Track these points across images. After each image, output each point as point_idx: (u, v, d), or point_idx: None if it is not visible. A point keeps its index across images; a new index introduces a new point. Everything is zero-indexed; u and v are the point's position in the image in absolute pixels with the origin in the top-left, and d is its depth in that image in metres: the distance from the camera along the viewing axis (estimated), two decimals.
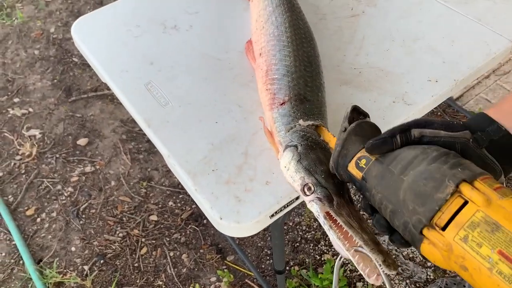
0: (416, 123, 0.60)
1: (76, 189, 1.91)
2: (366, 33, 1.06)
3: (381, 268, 0.57)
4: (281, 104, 0.83)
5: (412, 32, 1.05)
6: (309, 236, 1.75)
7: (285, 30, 0.93)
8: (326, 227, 0.66)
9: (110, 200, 1.87)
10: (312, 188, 0.69)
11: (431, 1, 1.12)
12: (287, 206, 0.80)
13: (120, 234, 1.76)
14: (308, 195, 0.69)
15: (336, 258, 0.69)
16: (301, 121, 0.79)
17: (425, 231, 0.51)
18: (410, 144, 0.58)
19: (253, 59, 0.97)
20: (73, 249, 1.73)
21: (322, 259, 1.69)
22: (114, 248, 1.73)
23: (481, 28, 1.05)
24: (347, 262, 1.67)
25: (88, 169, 1.98)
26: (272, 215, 0.79)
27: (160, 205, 1.84)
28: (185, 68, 1.02)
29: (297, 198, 0.81)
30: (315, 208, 0.68)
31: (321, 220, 0.67)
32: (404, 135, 0.58)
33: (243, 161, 0.85)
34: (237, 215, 0.77)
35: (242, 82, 0.99)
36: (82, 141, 2.08)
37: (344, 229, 0.63)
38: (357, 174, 0.60)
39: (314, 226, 1.77)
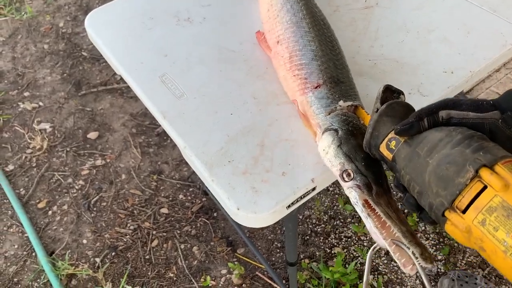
0: (444, 104, 0.61)
1: (87, 182, 1.93)
2: (380, 24, 1.06)
3: (418, 261, 0.58)
4: (316, 88, 0.83)
5: (427, 23, 1.05)
6: (319, 230, 1.75)
7: (304, 16, 0.93)
8: (363, 215, 0.67)
9: (121, 193, 1.88)
10: (352, 175, 0.70)
11: None
12: (304, 197, 0.81)
13: (131, 227, 1.78)
14: (347, 181, 0.70)
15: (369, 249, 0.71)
16: (341, 102, 0.80)
17: (447, 213, 0.53)
18: (438, 126, 0.60)
19: (268, 48, 0.97)
20: (84, 241, 1.75)
21: (333, 252, 1.69)
22: (125, 240, 1.74)
23: (496, 19, 1.04)
24: (358, 255, 1.67)
25: (98, 162, 1.99)
26: (289, 206, 0.79)
27: (170, 198, 1.85)
28: (200, 60, 1.02)
29: (314, 189, 0.81)
30: (353, 195, 0.69)
31: (359, 207, 0.68)
32: (432, 118, 0.60)
33: (259, 153, 0.85)
34: (254, 206, 0.77)
35: (257, 73, 0.99)
36: (92, 135, 2.09)
37: (382, 219, 0.63)
38: (388, 155, 0.63)
39: (324, 220, 1.78)
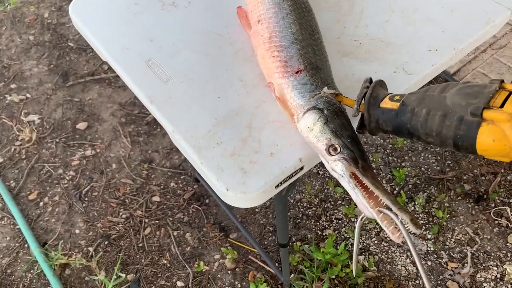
0: None
1: (77, 172, 1.92)
2: (365, 5, 1.06)
3: (407, 226, 0.61)
4: (297, 72, 0.84)
5: (411, 3, 1.05)
6: (310, 213, 1.77)
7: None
8: (350, 185, 0.70)
9: (112, 183, 1.88)
10: (339, 149, 0.73)
11: None
12: (292, 176, 0.82)
13: (124, 216, 1.78)
14: (333, 155, 0.73)
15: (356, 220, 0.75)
16: (325, 89, 0.81)
17: (485, 113, 0.60)
18: None
19: (248, 26, 0.98)
20: (77, 231, 1.75)
21: (324, 234, 1.71)
22: (118, 229, 1.74)
23: None
24: (348, 237, 1.69)
25: (88, 152, 1.99)
26: (278, 185, 0.80)
27: (162, 186, 1.86)
28: (186, 44, 1.02)
29: (301, 168, 0.82)
30: (340, 167, 0.72)
31: (346, 179, 0.71)
32: None
33: (247, 134, 0.86)
34: (243, 186, 0.78)
35: (243, 57, 0.99)
36: (81, 125, 2.08)
37: (370, 189, 0.65)
38: (393, 105, 0.71)
39: (315, 203, 1.79)
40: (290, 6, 0.93)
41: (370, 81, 0.78)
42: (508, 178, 1.80)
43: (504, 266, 1.59)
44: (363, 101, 0.77)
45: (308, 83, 0.83)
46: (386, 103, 0.72)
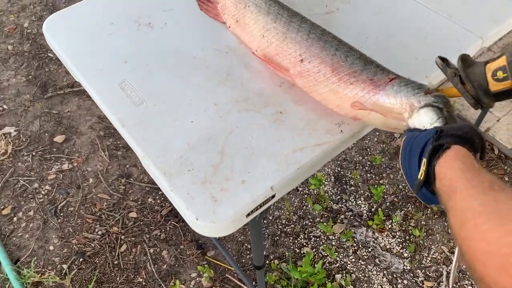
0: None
1: (53, 187, 1.89)
2: (340, 30, 1.07)
3: None
4: (391, 80, 0.83)
5: (386, 29, 1.07)
6: (288, 230, 1.77)
7: (322, 32, 0.94)
8: None
9: (89, 198, 1.85)
10: None
11: None
12: (263, 204, 0.81)
13: (99, 232, 1.75)
14: None
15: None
16: (428, 84, 0.80)
17: None
18: None
19: (284, 70, 0.94)
20: (51, 248, 1.72)
21: (302, 252, 1.71)
22: (93, 246, 1.71)
23: (452, 25, 1.07)
24: (326, 255, 1.69)
25: (65, 166, 1.96)
26: (249, 214, 0.80)
27: (139, 202, 1.83)
28: (160, 66, 1.01)
29: (273, 196, 0.82)
30: None
31: None
32: None
33: (219, 161, 0.85)
34: (213, 215, 0.77)
35: (218, 80, 0.99)
36: (59, 138, 2.05)
37: None
38: (505, 84, 0.67)
39: (294, 220, 1.79)
40: (333, 37, 0.93)
41: (444, 65, 0.76)
42: None
43: None
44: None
45: (409, 83, 0.82)
46: (496, 85, 0.68)
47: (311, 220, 1.79)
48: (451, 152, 0.60)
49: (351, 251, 1.71)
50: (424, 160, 0.62)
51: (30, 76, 2.30)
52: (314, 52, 0.90)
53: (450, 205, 0.55)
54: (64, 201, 1.84)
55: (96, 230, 1.76)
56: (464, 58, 0.74)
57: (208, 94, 0.96)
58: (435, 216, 1.78)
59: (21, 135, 2.06)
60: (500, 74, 0.66)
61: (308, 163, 0.84)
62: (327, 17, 1.10)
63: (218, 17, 1.09)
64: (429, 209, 1.80)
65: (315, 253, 1.70)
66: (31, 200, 1.85)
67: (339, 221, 1.79)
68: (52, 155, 1.99)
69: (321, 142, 0.87)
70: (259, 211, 0.82)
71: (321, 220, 1.79)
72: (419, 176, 0.63)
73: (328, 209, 1.82)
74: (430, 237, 1.73)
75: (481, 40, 1.03)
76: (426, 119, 0.74)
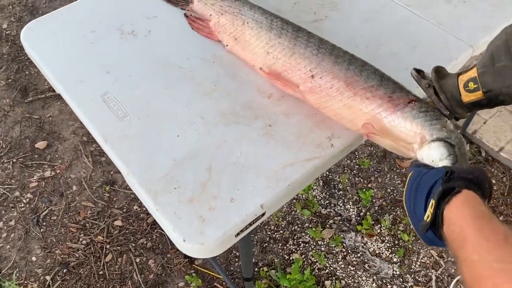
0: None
1: (35, 195, 1.84)
2: (329, 38, 1.04)
3: None
4: (410, 102, 0.79)
5: (375, 37, 1.05)
6: (277, 236, 1.75)
7: (333, 47, 0.91)
8: None
9: (72, 206, 1.81)
10: None
11: (394, 4, 1.12)
12: (253, 223, 0.79)
13: (84, 241, 1.71)
14: None
15: None
16: (449, 122, 0.77)
17: None
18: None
19: (293, 86, 0.90)
20: (33, 258, 1.67)
21: (291, 258, 1.69)
22: (77, 256, 1.67)
23: (442, 33, 1.05)
24: (315, 261, 1.67)
25: (47, 173, 1.90)
26: (238, 234, 0.77)
27: (124, 210, 1.79)
28: (144, 77, 0.98)
29: (263, 214, 0.79)
30: None
31: None
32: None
33: (207, 178, 0.82)
34: (201, 236, 0.74)
35: (204, 91, 0.95)
36: (40, 144, 1.99)
37: None
38: (476, 95, 0.68)
39: (282, 225, 1.77)
40: (345, 52, 0.90)
41: (420, 76, 0.77)
42: None
43: None
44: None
45: (429, 110, 0.78)
46: (468, 96, 0.70)
47: (300, 225, 1.78)
48: (462, 196, 0.58)
49: (340, 256, 1.70)
50: (432, 202, 0.60)
51: (10, 80, 2.24)
52: (326, 68, 0.86)
53: (462, 256, 0.53)
54: (47, 210, 1.79)
55: (80, 239, 1.71)
56: (438, 70, 0.75)
57: (195, 106, 0.93)
58: None
59: (0, 141, 2.00)
60: (471, 85, 0.68)
61: (298, 180, 0.82)
62: (316, 25, 1.08)
63: (212, 36, 1.05)
64: None
65: (304, 259, 1.69)
66: (12, 209, 1.79)
67: (328, 226, 1.77)
68: (33, 162, 1.93)
69: (311, 157, 0.85)
70: (248, 229, 0.79)
71: (310, 226, 1.77)
72: (425, 218, 0.61)
73: (317, 214, 1.80)
74: (419, 241, 1.73)
75: (472, 49, 1.02)
76: (436, 155, 0.72)
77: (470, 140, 1.99)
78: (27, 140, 2.01)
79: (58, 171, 1.91)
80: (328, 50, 0.89)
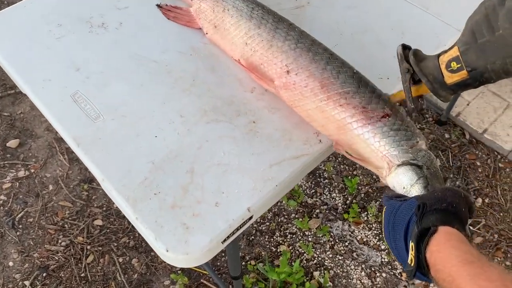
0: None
1: (9, 197, 1.75)
2: (312, 26, 1.00)
3: None
4: (384, 117, 0.74)
5: (361, 24, 1.00)
6: (263, 228, 1.71)
7: (312, 42, 0.84)
8: None
9: (49, 206, 1.73)
10: None
11: None
12: (240, 228, 0.74)
13: (63, 243, 1.64)
14: None
15: None
16: (421, 140, 0.72)
17: None
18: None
19: (268, 80, 0.85)
20: (10, 263, 1.60)
21: (278, 250, 1.66)
22: (57, 258, 1.61)
23: (430, 18, 1.01)
24: (303, 252, 1.65)
25: (21, 173, 1.82)
26: (224, 240, 0.73)
27: (104, 208, 1.73)
28: (117, 73, 0.91)
29: (250, 218, 0.75)
30: None
31: None
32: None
33: (189, 181, 0.77)
34: (186, 246, 0.70)
35: (182, 87, 0.90)
36: (12, 143, 1.90)
37: None
38: (460, 75, 0.64)
39: (268, 217, 1.73)
40: (325, 49, 0.83)
41: (403, 56, 0.72)
42: (457, 183, 1.82)
43: None
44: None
45: (401, 129, 0.73)
46: (452, 77, 0.66)
47: (286, 216, 1.74)
48: (440, 236, 0.54)
49: (328, 246, 1.68)
50: (412, 245, 0.56)
51: None
52: (302, 64, 0.81)
53: None
54: (23, 212, 1.71)
55: (59, 241, 1.65)
56: (416, 53, 0.71)
57: (173, 104, 0.87)
58: None
59: None
60: (454, 65, 0.65)
61: (286, 179, 0.78)
62: (297, 12, 1.02)
63: (192, 24, 0.98)
64: None
65: (291, 250, 1.66)
66: None
67: (314, 215, 1.74)
68: (6, 162, 1.84)
69: (299, 154, 0.80)
70: (235, 235, 0.74)
71: (296, 216, 1.74)
72: (409, 262, 0.57)
73: (303, 204, 1.77)
74: None
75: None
76: (405, 180, 0.68)
77: (454, 123, 1.98)
78: None
79: (32, 171, 1.82)
80: (306, 45, 0.83)
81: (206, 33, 0.96)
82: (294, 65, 0.81)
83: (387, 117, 0.74)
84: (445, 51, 0.67)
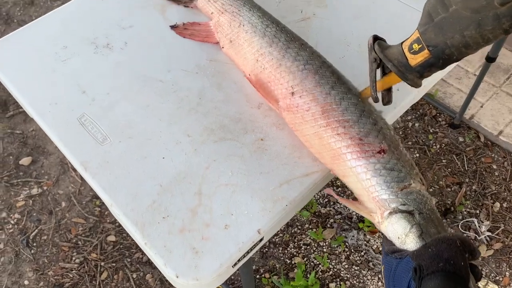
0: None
1: (23, 215, 1.76)
2: (319, 38, 0.98)
3: None
4: (379, 153, 0.70)
5: (368, 34, 0.97)
6: (277, 240, 1.69)
7: (321, 64, 0.81)
8: None
9: (63, 223, 1.74)
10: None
11: None
12: (250, 251, 0.73)
13: (77, 260, 1.64)
14: None
15: None
16: (414, 182, 0.68)
17: None
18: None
19: (273, 100, 0.83)
20: (26, 282, 1.60)
21: (293, 262, 1.64)
22: (71, 276, 1.61)
23: None
24: (318, 263, 1.62)
25: (34, 191, 1.83)
26: (235, 264, 0.71)
27: (117, 224, 1.73)
28: (123, 94, 0.91)
29: (261, 240, 0.73)
30: None
31: None
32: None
33: (198, 203, 0.76)
34: (196, 271, 0.68)
35: (189, 106, 0.89)
36: (25, 161, 1.92)
37: None
38: (423, 55, 0.65)
39: (282, 228, 1.71)
40: (332, 72, 0.80)
41: (372, 46, 0.72)
42: (474, 187, 1.78)
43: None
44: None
45: (395, 169, 0.69)
46: (415, 59, 0.66)
47: (299, 227, 1.72)
48: None
49: (343, 256, 1.65)
50: None
51: None
52: (307, 87, 0.78)
53: None
54: (36, 230, 1.72)
55: (73, 258, 1.65)
56: (380, 43, 0.72)
57: (180, 123, 0.86)
58: None
59: None
60: (415, 47, 0.66)
61: (297, 198, 0.76)
62: (303, 24, 1.01)
63: (209, 38, 0.98)
64: None
65: (306, 262, 1.64)
66: (0, 231, 1.72)
67: (328, 225, 1.72)
68: (19, 180, 1.86)
69: (309, 172, 0.79)
70: (246, 258, 0.73)
71: (310, 226, 1.72)
72: None
73: (317, 214, 1.75)
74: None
75: None
76: (398, 230, 0.65)
77: (468, 125, 1.94)
78: (11, 157, 1.93)
79: (45, 188, 1.83)
80: (314, 67, 0.80)
81: (222, 47, 0.95)
82: (299, 87, 0.78)
83: (383, 153, 0.70)
84: (408, 37, 0.69)
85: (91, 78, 0.93)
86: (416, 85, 0.70)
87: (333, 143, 0.73)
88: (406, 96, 0.89)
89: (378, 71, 0.73)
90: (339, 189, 1.81)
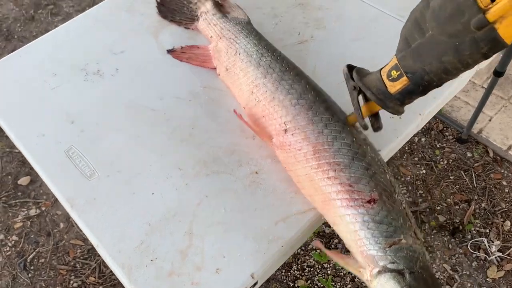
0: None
1: (21, 236, 1.73)
2: (317, 61, 0.94)
3: None
4: (369, 202, 0.65)
5: (368, 57, 0.93)
6: None
7: (315, 98, 0.76)
8: None
9: (61, 246, 1.70)
10: None
11: (386, 17, 1.01)
12: None
13: (75, 284, 1.61)
14: None
15: None
16: (404, 237, 0.63)
17: (489, 16, 0.51)
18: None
19: (266, 137, 0.78)
20: None
21: (296, 285, 1.59)
22: None
23: None
24: (322, 286, 1.57)
25: (32, 212, 1.80)
26: None
27: None
28: (113, 124, 0.87)
29: (255, 284, 0.69)
30: None
31: None
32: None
33: (188, 244, 0.72)
34: None
35: (181, 136, 0.85)
36: (23, 180, 1.89)
37: None
38: (402, 82, 0.63)
39: None
40: (323, 103, 0.75)
41: (349, 75, 0.70)
42: (483, 205, 1.72)
43: None
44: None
45: (384, 222, 0.64)
46: (394, 86, 0.64)
47: (303, 248, 1.67)
48: None
49: (348, 279, 1.60)
50: None
51: None
52: (299, 124, 0.73)
53: None
54: (34, 252, 1.69)
55: (71, 282, 1.61)
56: (359, 70, 0.70)
57: (171, 156, 0.82)
58: (434, 231, 1.67)
59: None
60: (394, 74, 0.64)
61: (293, 238, 0.72)
62: (301, 47, 0.97)
63: (207, 63, 0.93)
64: (427, 224, 1.69)
65: (310, 285, 1.58)
66: None
67: (333, 246, 1.67)
68: (17, 201, 1.83)
69: (306, 209, 0.74)
70: None
71: (314, 248, 1.67)
72: None
73: (320, 234, 1.70)
74: (430, 255, 1.62)
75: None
76: None
77: (476, 140, 1.89)
78: (9, 177, 1.90)
79: (43, 208, 1.80)
80: (308, 102, 0.75)
81: (219, 74, 0.91)
82: (292, 124, 0.74)
83: (372, 203, 0.65)
84: (386, 64, 0.66)
85: (80, 107, 0.89)
86: (398, 112, 0.67)
87: (323, 187, 0.68)
88: (409, 124, 0.84)
89: (361, 98, 0.70)
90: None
